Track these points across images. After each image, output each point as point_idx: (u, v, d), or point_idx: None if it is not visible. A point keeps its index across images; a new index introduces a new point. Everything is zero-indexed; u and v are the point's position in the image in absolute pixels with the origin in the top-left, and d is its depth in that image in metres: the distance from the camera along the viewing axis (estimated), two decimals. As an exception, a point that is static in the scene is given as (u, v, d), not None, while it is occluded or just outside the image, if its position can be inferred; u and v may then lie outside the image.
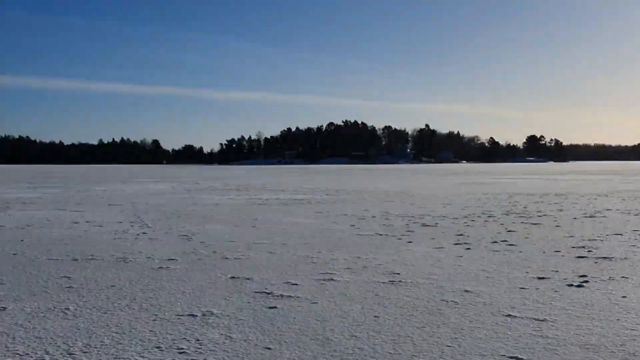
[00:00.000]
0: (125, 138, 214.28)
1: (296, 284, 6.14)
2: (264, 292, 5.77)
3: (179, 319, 4.83)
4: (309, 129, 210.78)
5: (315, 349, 4.07)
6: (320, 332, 4.48)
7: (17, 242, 9.26)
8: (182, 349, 4.07)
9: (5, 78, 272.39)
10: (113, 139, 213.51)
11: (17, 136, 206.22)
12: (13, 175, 48.00)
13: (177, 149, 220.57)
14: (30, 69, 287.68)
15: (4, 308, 5.13)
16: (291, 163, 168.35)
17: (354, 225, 11.62)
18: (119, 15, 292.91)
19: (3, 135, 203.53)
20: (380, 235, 10.17)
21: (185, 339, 4.29)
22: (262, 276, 6.57)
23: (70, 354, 3.94)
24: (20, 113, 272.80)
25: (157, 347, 4.09)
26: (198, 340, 4.26)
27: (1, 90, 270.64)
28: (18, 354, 3.93)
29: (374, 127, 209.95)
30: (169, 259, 7.68)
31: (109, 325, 4.63)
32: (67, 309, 5.13)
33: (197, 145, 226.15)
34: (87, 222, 12.19)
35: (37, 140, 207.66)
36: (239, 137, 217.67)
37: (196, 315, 4.91)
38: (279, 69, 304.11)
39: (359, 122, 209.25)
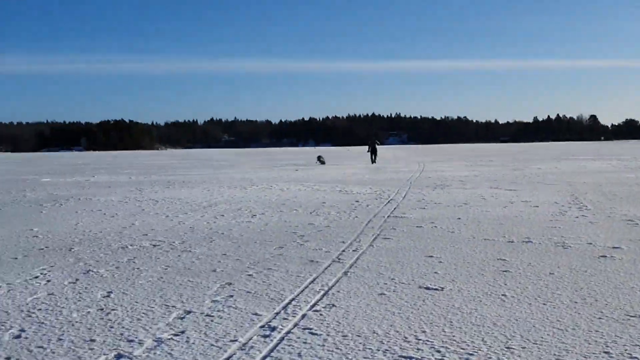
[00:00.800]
0: (560, 115, 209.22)
1: None
2: None
3: (629, 320, 4.17)
4: None
5: None
6: None
7: (454, 220, 9.51)
8: (637, 358, 3.45)
9: (431, 63, 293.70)
10: (548, 116, 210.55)
11: (455, 117, 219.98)
12: (448, 155, 51.10)
13: (616, 124, 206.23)
14: (475, 53, 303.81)
15: (442, 288, 5.17)
16: None
17: None
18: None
19: (443, 117, 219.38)
20: None
21: (638, 345, 3.65)
22: None
23: (508, 347, 3.68)
24: (458, 94, 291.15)
25: (606, 352, 3.55)
26: (656, 350, 3.57)
27: (436, 75, 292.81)
28: (455, 340, 3.84)
29: None
30: (613, 247, 6.90)
31: (549, 318, 4.24)
32: (504, 295, 4.92)
33: (639, 119, 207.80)
34: (523, 201, 11.96)
35: (474, 120, 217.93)
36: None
37: (651, 318, 4.18)
38: None
39: None
